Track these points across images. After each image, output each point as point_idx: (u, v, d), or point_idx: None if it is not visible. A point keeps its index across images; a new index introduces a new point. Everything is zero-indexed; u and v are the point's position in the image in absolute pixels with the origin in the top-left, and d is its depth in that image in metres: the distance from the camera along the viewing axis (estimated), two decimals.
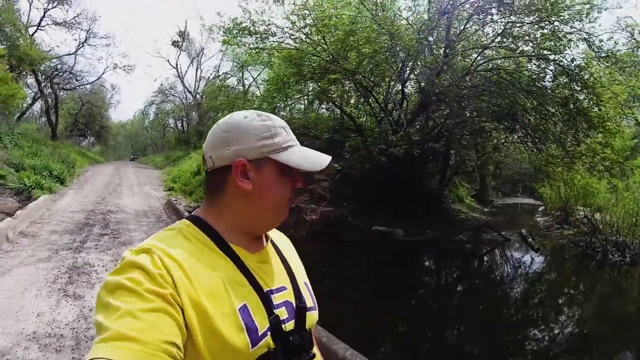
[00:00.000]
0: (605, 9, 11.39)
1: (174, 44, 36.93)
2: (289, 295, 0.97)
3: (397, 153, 11.37)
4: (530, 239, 12.29)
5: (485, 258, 11.27)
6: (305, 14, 12.29)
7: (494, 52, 13.02)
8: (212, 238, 0.91)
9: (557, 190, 15.89)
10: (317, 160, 0.97)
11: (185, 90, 38.40)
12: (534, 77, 12.05)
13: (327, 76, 12.25)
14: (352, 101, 15.28)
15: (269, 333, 0.86)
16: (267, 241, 1.04)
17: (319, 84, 13.12)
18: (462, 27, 12.50)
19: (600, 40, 11.21)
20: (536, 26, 11.51)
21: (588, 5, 10.99)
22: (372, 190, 12.59)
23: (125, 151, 58.99)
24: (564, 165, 12.78)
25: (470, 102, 12.36)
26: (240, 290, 0.87)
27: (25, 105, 28.02)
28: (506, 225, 15.05)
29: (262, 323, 0.86)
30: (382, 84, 13.59)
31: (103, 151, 47.29)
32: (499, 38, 12.14)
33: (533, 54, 11.90)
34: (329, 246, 10.59)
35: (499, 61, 12.75)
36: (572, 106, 11.52)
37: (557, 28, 11.21)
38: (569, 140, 12.13)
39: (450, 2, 11.90)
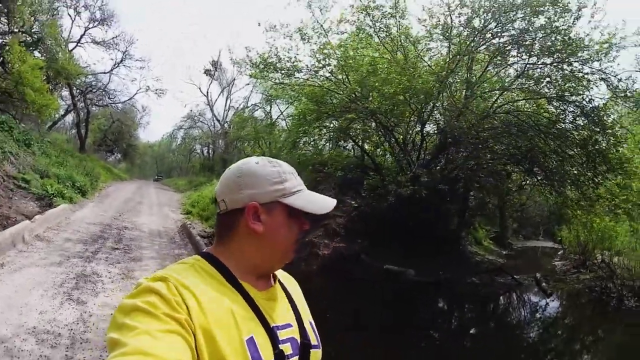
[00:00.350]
0: (624, 48, 11.51)
1: (207, 72, 37.85)
2: (294, 332, 1.01)
3: (404, 193, 11.50)
4: (544, 284, 12.19)
5: (500, 301, 11.29)
6: (329, 53, 12.73)
7: (514, 94, 13.24)
8: (222, 273, 0.97)
9: (576, 234, 15.76)
10: (323, 204, 1.04)
11: (214, 118, 39.25)
12: (554, 119, 12.18)
13: (345, 115, 12.65)
14: (374, 139, 15.48)
15: None
16: (274, 280, 1.09)
17: (339, 121, 13.52)
18: (482, 70, 12.80)
19: (619, 80, 11.34)
20: (556, 67, 11.77)
21: (607, 45, 11.22)
22: (387, 229, 12.63)
23: (150, 171, 59.82)
24: (581, 208, 12.77)
25: (488, 144, 12.54)
26: (248, 323, 0.91)
27: (57, 115, 28.76)
28: (522, 268, 14.83)
29: (267, 356, 0.89)
30: (402, 124, 13.82)
31: (128, 168, 48.13)
32: (519, 80, 12.42)
33: (553, 95, 12.10)
34: (340, 281, 10.65)
35: (520, 103, 12.96)
36: (590, 148, 11.59)
37: (576, 69, 11.44)
38: (587, 183, 12.12)
39: (471, 45, 12.12)
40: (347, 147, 18.19)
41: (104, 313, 4.77)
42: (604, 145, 11.68)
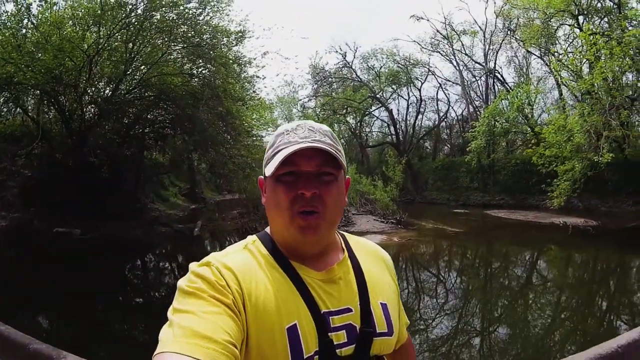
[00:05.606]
0: (249, 38, 17.13)
1: None
2: (353, 318, 1.03)
3: (67, 163, 14.89)
4: (197, 229, 17.09)
5: (157, 246, 15.96)
6: None
7: (164, 69, 16.85)
8: (273, 254, 1.05)
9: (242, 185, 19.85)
10: (277, 158, 1.00)
11: None
12: (193, 91, 16.77)
13: (9, 87, 15.15)
14: (43, 108, 18.06)
15: (316, 357, 0.95)
16: (342, 257, 1.14)
17: (5, 93, 16.03)
18: (136, 49, 16.15)
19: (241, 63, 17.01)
20: (189, 50, 16.32)
21: (240, 34, 16.64)
22: (61, 195, 14.99)
23: None
24: (230, 164, 17.89)
25: (147, 112, 16.97)
26: (294, 309, 0.96)
27: None
28: (192, 219, 20.01)
29: (310, 345, 0.94)
30: (67, 94, 16.41)
31: None
32: (166, 57, 16.39)
33: (190, 73, 17.00)
34: (16, 250, 13.02)
35: (170, 78, 16.83)
36: (220, 112, 16.61)
37: (206, 53, 16.20)
38: (228, 143, 17.57)
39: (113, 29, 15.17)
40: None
41: None
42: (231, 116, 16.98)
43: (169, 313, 0.87)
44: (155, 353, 0.78)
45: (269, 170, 1.02)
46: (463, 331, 7.41)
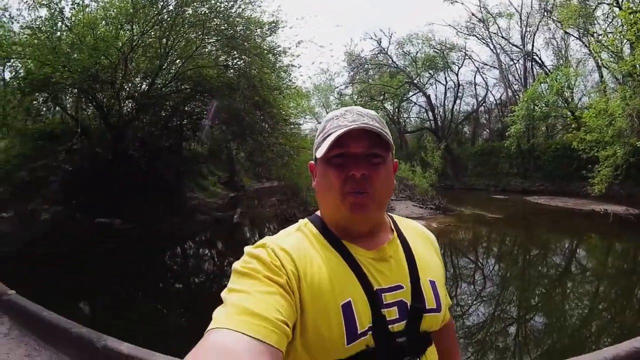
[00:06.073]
0: (283, 28, 17.25)
1: None
2: (404, 295, 1.08)
3: (100, 153, 15.44)
4: (236, 216, 17.51)
5: (198, 234, 16.31)
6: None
7: (204, 61, 17.33)
8: (325, 235, 1.11)
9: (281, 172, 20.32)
10: (328, 141, 1.06)
11: None
12: (228, 82, 16.96)
13: (49, 88, 15.52)
14: (85, 107, 18.45)
15: (370, 332, 0.99)
16: (392, 237, 1.18)
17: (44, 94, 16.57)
18: (170, 44, 16.32)
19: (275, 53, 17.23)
20: (223, 43, 16.60)
21: (273, 24, 16.84)
22: (102, 187, 15.34)
23: None
24: (269, 151, 18.02)
25: (184, 104, 17.33)
26: (347, 286, 1.01)
27: None
28: (231, 206, 20.51)
29: (364, 321, 0.99)
30: (104, 91, 16.72)
31: None
32: (200, 50, 16.63)
33: (225, 65, 17.25)
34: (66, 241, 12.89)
35: (206, 71, 17.19)
36: (257, 101, 16.83)
37: (240, 44, 16.37)
38: (267, 131, 17.82)
39: (147, 26, 15.39)
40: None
41: None
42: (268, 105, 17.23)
43: (224, 293, 0.92)
44: (207, 329, 0.82)
45: (320, 152, 1.07)
46: (499, 318, 7.46)
